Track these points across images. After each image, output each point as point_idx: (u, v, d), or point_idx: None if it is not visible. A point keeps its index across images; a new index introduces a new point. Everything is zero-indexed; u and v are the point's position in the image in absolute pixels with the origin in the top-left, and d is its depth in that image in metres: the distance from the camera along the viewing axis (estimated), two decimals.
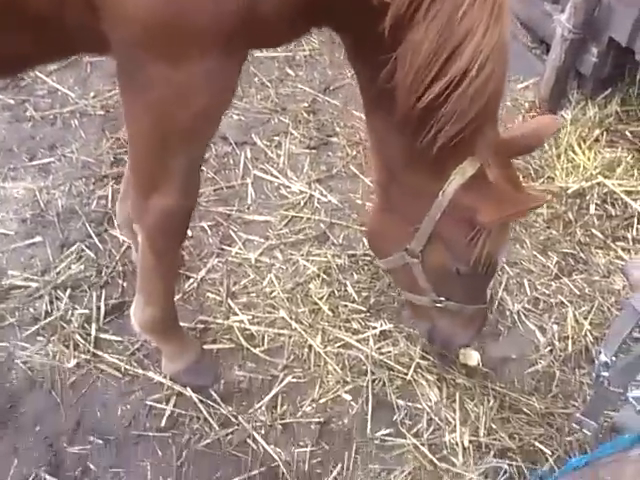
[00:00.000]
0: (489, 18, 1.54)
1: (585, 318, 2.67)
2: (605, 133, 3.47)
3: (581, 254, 2.88)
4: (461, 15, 1.52)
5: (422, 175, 1.88)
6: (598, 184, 3.19)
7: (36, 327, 2.41)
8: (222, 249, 2.77)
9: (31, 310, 2.48)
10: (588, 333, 2.61)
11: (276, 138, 3.27)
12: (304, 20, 1.71)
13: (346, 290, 2.66)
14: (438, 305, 2.14)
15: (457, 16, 1.52)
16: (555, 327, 2.63)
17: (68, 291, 2.53)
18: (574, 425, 1.81)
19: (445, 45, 1.55)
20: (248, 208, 2.96)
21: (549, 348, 2.56)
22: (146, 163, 1.80)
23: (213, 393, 2.28)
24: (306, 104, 3.38)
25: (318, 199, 3.03)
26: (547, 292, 2.74)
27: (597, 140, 3.43)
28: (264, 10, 1.53)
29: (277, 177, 3.10)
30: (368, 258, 2.79)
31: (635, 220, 3.07)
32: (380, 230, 2.16)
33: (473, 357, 2.38)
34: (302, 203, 3.00)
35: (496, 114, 1.79)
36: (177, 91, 1.62)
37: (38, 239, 2.72)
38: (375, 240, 2.26)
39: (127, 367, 2.34)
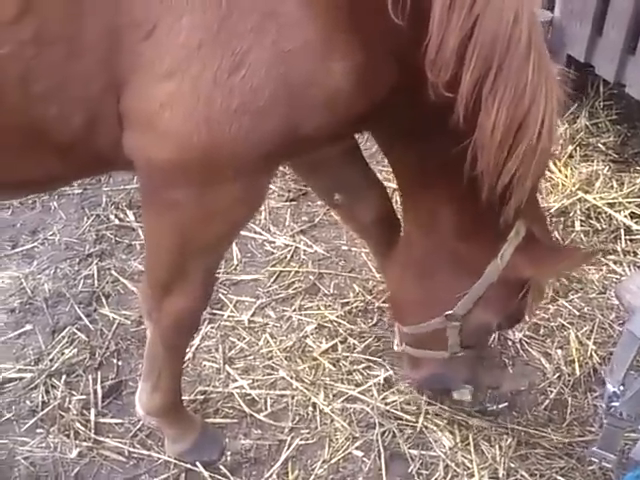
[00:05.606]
0: (545, 84, 1.54)
1: (588, 338, 2.63)
2: (578, 148, 3.50)
3: (574, 273, 2.85)
4: (524, 87, 1.50)
5: (475, 242, 1.84)
6: (579, 200, 3.19)
7: (34, 419, 2.35)
8: (214, 314, 2.74)
9: (27, 402, 2.41)
10: (594, 353, 2.57)
11: None
12: (350, 130, 1.71)
13: (344, 341, 2.62)
14: (455, 356, 2.06)
15: (521, 89, 1.50)
16: (560, 352, 2.58)
17: (63, 377, 2.48)
18: (592, 459, 1.76)
19: (514, 120, 1.53)
20: (235, 269, 2.94)
21: (557, 374, 2.51)
22: (163, 271, 1.75)
23: (222, 467, 2.21)
24: None
25: (304, 250, 3.01)
26: (546, 316, 2.70)
27: (571, 156, 3.45)
28: (306, 132, 1.50)
29: (260, 233, 3.09)
30: (362, 305, 2.76)
31: (622, 232, 3.05)
32: (414, 300, 2.05)
33: (466, 392, 2.28)
34: (288, 257, 2.98)
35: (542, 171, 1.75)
36: (206, 211, 1.57)
37: (28, 327, 2.68)
38: (406, 310, 2.12)
39: (131, 450, 2.27)
